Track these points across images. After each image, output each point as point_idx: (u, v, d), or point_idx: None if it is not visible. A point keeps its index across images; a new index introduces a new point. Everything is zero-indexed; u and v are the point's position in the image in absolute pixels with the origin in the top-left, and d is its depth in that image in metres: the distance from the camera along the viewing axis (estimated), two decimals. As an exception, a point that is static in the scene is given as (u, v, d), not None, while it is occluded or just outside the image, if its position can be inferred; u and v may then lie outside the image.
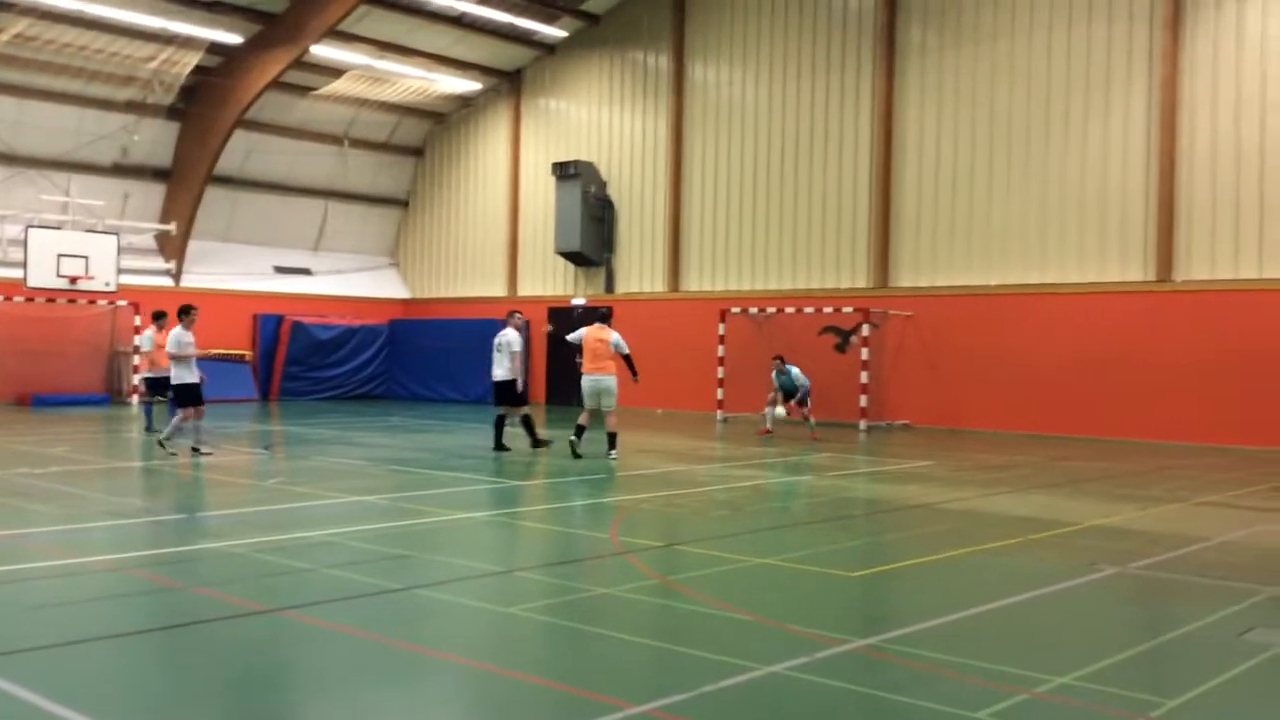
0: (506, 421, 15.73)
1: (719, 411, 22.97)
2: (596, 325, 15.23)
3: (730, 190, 24.77)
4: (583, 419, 15.05)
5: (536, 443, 15.58)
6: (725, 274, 24.81)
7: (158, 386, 17.07)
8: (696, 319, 24.17)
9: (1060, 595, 7.35)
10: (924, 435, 20.05)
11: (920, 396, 21.61)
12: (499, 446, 15.42)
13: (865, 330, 21.32)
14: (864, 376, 21.18)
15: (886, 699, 5.11)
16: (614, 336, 14.97)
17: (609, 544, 9.01)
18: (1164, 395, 18.95)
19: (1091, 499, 11.99)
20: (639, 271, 26.32)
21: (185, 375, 14.54)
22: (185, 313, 15.12)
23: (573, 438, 14.81)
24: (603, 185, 26.64)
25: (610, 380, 14.88)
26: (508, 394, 15.79)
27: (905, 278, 22.22)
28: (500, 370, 15.81)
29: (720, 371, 23.20)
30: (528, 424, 15.75)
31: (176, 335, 14.64)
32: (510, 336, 15.79)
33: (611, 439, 14.92)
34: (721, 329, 23.22)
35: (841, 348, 22.17)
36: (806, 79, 23.61)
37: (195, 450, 14.33)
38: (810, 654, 5.69)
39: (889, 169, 22.36)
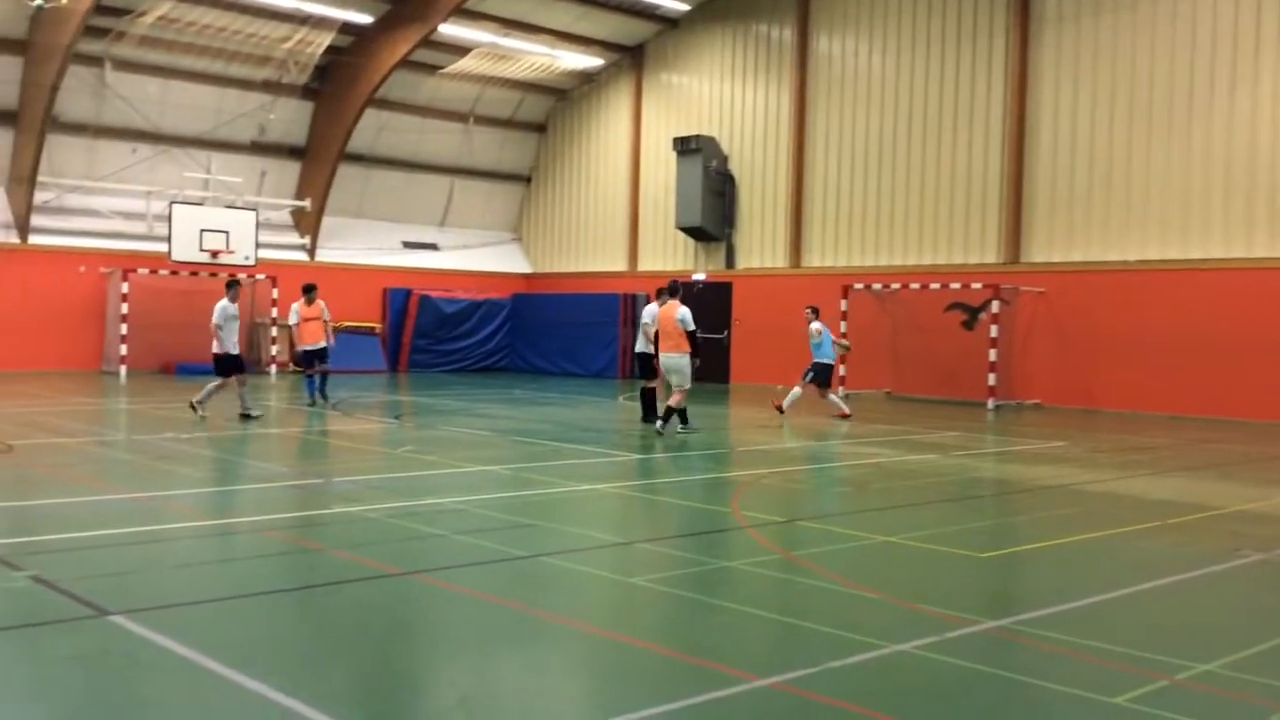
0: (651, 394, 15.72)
1: (840, 389, 22.69)
2: (669, 303, 14.77)
3: (854, 163, 24.35)
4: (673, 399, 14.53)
5: (648, 418, 15.44)
6: (848, 249, 24.44)
7: (307, 359, 17.62)
8: (818, 294, 23.78)
9: (1201, 581, 7.06)
10: (1056, 415, 19.46)
11: (1052, 375, 20.96)
12: (648, 419, 15.30)
13: (995, 307, 20.76)
14: (992, 354, 20.65)
15: (1020, 681, 4.99)
16: (681, 312, 14.50)
17: (731, 518, 9.00)
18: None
19: (1235, 482, 11.48)
20: (760, 247, 26.12)
21: (227, 346, 14.94)
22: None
23: (665, 421, 14.33)
24: (724, 160, 26.48)
25: (685, 359, 14.46)
26: (645, 367, 15.96)
27: (1038, 253, 21.53)
28: (639, 344, 16.00)
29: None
30: (645, 397, 15.68)
31: (222, 307, 15.13)
32: (651, 311, 15.63)
33: (670, 414, 14.36)
34: (844, 305, 22.89)
35: (969, 324, 21.64)
36: (936, 48, 23.01)
37: (245, 416, 14.84)
38: (939, 633, 5.59)
39: (1022, 140, 21.66)
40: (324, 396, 17.39)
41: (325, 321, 17.54)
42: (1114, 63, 20.52)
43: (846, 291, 22.93)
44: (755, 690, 4.75)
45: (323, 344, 17.43)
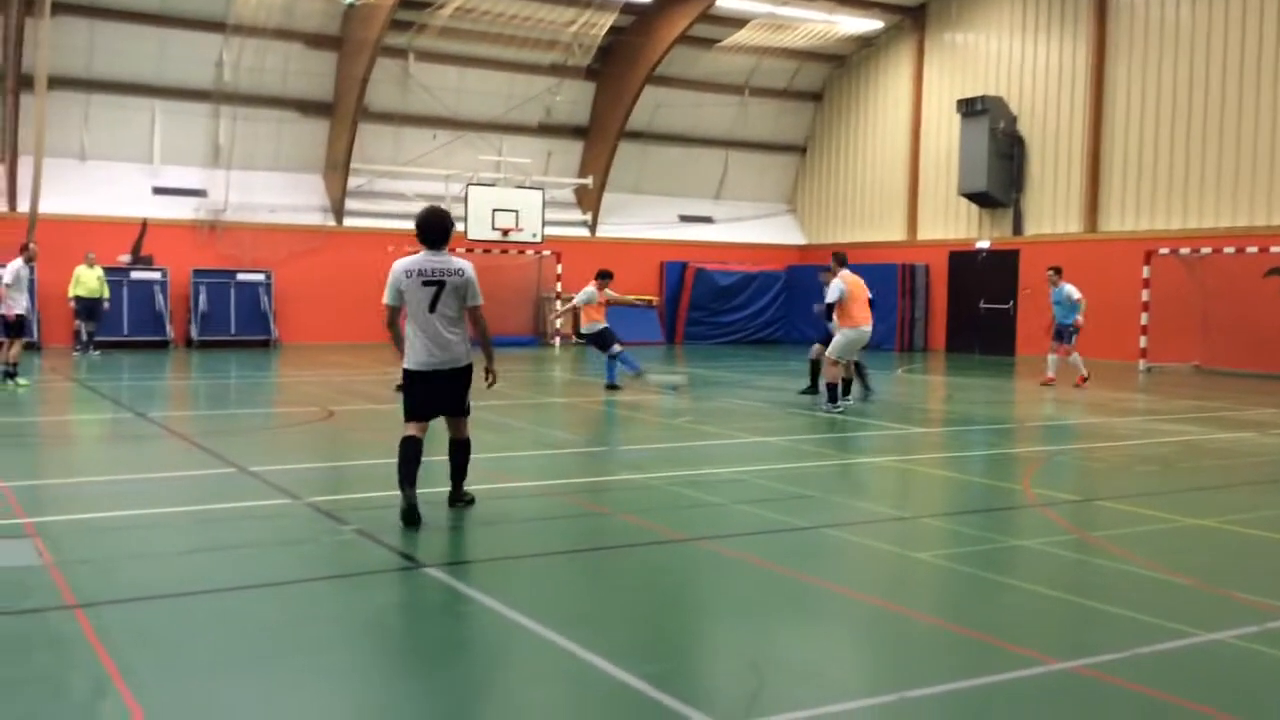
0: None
1: (1142, 361, 21.22)
2: (853, 274, 13.84)
3: (1159, 119, 22.56)
4: (842, 372, 13.78)
5: (813, 390, 14.99)
6: (1151, 212, 22.73)
7: (591, 339, 16.10)
8: (1117, 261, 22.37)
9: None
10: (1396, 392, 17.39)
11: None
12: (815, 389, 14.90)
13: (1322, 272, 18.77)
14: (1319, 324, 18.70)
15: (1357, 681, 4.53)
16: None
17: (1021, 495, 8.64)
18: None
19: None
20: (1051, 211, 24.74)
21: (16, 307, 14.65)
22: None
23: (847, 399, 13.82)
24: (1012, 120, 25.22)
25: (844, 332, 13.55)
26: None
27: (1376, 211, 19.26)
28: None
29: (1144, 318, 21.38)
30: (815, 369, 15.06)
31: (15, 268, 14.76)
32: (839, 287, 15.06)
33: (848, 387, 14.02)
34: (1146, 272, 21.34)
35: (1291, 292, 19.66)
36: (1254, -11, 20.93)
37: (7, 375, 14.59)
38: (1260, 624, 5.16)
39: (1358, 86, 19.39)
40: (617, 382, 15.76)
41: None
42: None
43: (1149, 257, 21.38)
44: (1053, 673, 4.56)
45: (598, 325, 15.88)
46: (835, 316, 13.54)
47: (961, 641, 5.06)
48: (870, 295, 13.82)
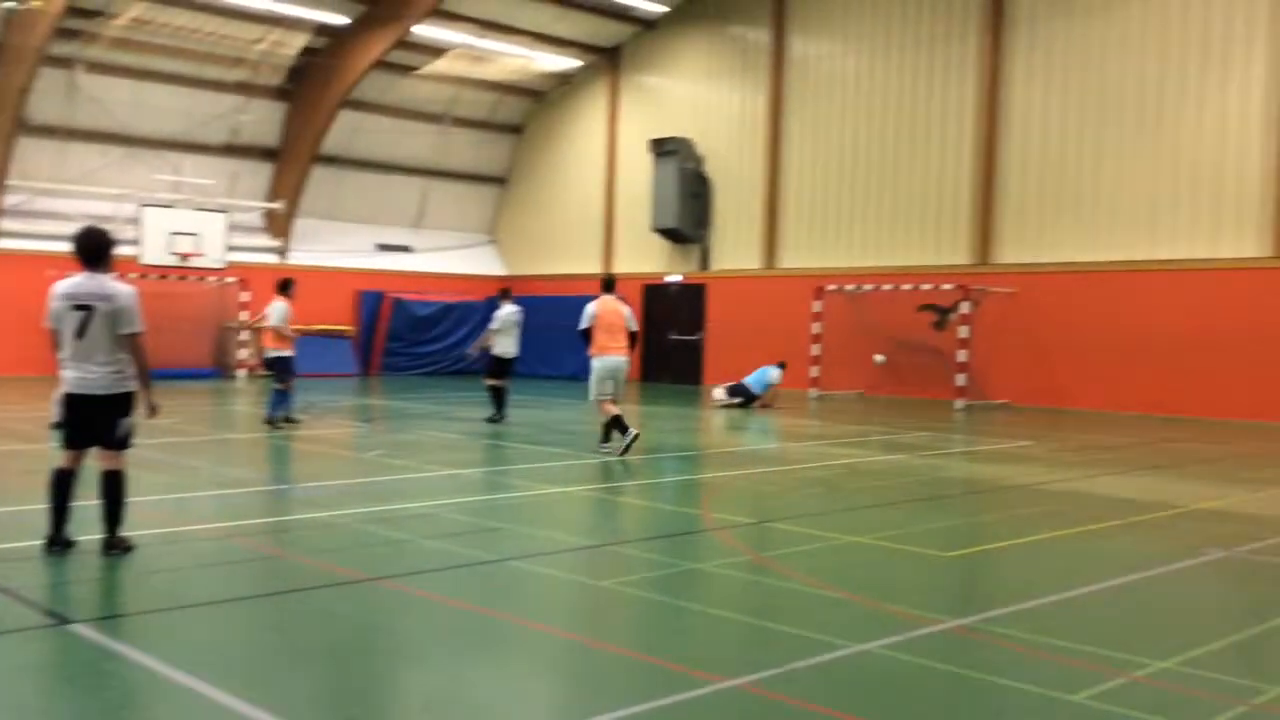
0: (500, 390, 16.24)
1: (814, 389, 22.79)
2: (611, 297, 12.94)
3: (828, 165, 24.45)
4: (612, 409, 12.61)
5: (497, 418, 15.99)
6: (822, 250, 24.53)
7: (274, 366, 14.89)
8: (792, 296, 23.97)
9: (1163, 579, 7.15)
10: (1024, 415, 19.61)
11: (1021, 376, 21.12)
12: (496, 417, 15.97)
13: (965, 307, 20.90)
14: (962, 355, 20.79)
15: (981, 680, 5.04)
16: (628, 310, 13.00)
17: (700, 520, 9.03)
18: (1278, 375, 18.21)
19: (1199, 481, 11.61)
20: (735, 248, 26.19)
21: None
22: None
23: (617, 436, 12.43)
24: (700, 161, 26.54)
25: (626, 361, 12.90)
26: (512, 366, 16.56)
27: (1008, 254, 21.69)
28: (512, 344, 16.51)
29: (815, 349, 23.00)
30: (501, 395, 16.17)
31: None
32: (518, 313, 16.51)
33: (624, 426, 12.49)
34: (817, 306, 23.00)
35: (940, 325, 21.76)
36: (909, 51, 23.14)
37: None
38: (903, 633, 5.64)
39: (993, 142, 21.82)
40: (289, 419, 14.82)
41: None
42: (1084, 65, 20.69)
43: (820, 292, 23.04)
44: (722, 691, 4.78)
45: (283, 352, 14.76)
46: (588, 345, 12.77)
47: (642, 667, 5.21)
48: (628, 324, 12.84)
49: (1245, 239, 18.88)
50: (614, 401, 12.65)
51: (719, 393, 20.70)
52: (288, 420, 14.60)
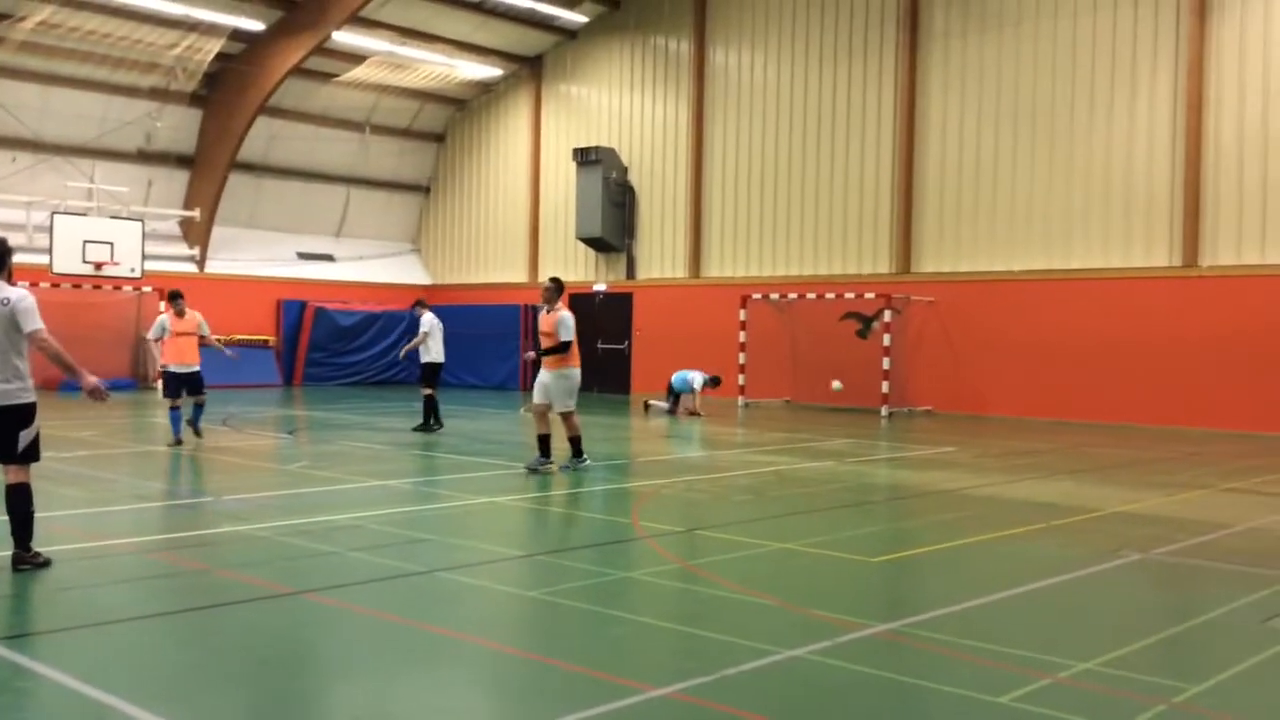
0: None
1: (741, 398, 22.95)
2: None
3: (751, 175, 24.68)
4: (545, 427, 12.01)
5: (428, 427, 16.09)
6: (746, 260, 24.74)
7: (174, 386, 14.08)
8: (717, 305, 24.13)
9: (1084, 581, 7.31)
10: (946, 421, 19.97)
11: (942, 382, 21.51)
12: (433, 425, 16.08)
13: (887, 316, 21.24)
14: (885, 363, 21.11)
15: (908, 683, 5.10)
16: (565, 315, 11.98)
17: (630, 529, 9.02)
18: (1190, 381, 18.79)
19: (1116, 485, 11.92)
20: (660, 257, 26.28)
21: None
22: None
23: (545, 460, 11.91)
24: (624, 171, 26.60)
25: (576, 372, 12.13)
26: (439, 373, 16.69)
27: (928, 263, 22.10)
28: (441, 351, 16.68)
29: (741, 358, 23.17)
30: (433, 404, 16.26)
31: None
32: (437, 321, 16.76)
33: (578, 443, 12.14)
34: (743, 315, 23.17)
35: (863, 333, 22.09)
36: (829, 63, 23.47)
37: None
38: (832, 638, 5.69)
39: (911, 154, 22.23)
40: (197, 432, 13.94)
41: (204, 338, 14.17)
42: (999, 79, 21.19)
43: (745, 301, 23.22)
44: (651, 700, 4.77)
45: (195, 366, 13.98)
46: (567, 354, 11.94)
47: (571, 677, 5.17)
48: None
49: (1155, 249, 19.47)
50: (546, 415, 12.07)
51: (658, 404, 21.24)
52: (174, 439, 13.63)
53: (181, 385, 13.88)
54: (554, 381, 11.95)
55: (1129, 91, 19.72)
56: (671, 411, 20.59)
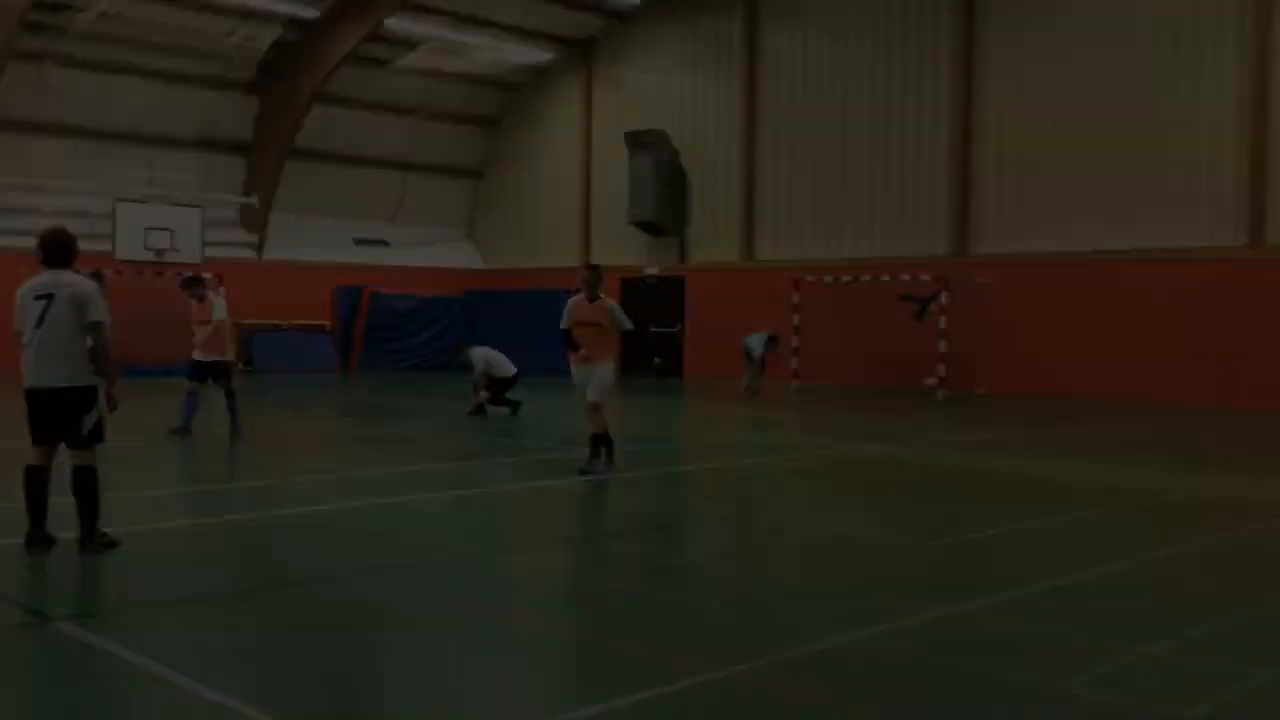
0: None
1: (794, 381, 22.81)
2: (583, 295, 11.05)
3: (804, 156, 24.45)
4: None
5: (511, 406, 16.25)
6: (799, 242, 24.54)
7: (199, 373, 13.44)
8: (770, 287, 23.97)
9: (1152, 564, 7.17)
10: (1004, 403, 19.69)
11: (1000, 364, 21.20)
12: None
13: (943, 298, 20.96)
14: (942, 345, 20.83)
15: (971, 668, 5.03)
16: (614, 304, 11.16)
17: (686, 512, 8.99)
18: (1266, 361, 18.32)
19: (1179, 469, 11.68)
20: (712, 240, 26.17)
21: None
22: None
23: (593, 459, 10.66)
24: (675, 154, 26.48)
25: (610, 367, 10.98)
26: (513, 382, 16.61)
27: (986, 244, 21.78)
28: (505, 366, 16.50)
29: (795, 340, 23.00)
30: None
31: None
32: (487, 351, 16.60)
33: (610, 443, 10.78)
34: (796, 298, 22.99)
35: (920, 315, 21.77)
36: (884, 42, 23.16)
37: None
38: (890, 623, 5.63)
39: (969, 133, 21.89)
40: (235, 430, 13.00)
41: (222, 322, 13.32)
42: (1060, 55, 20.77)
43: (798, 284, 23.04)
44: (707, 682, 4.75)
45: (215, 356, 13.25)
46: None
47: (626, 660, 5.16)
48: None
49: (1220, 227, 19.02)
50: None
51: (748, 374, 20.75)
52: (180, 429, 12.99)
53: (205, 373, 13.24)
54: (605, 374, 10.74)
55: (1191, 66, 19.23)
56: (762, 371, 20.59)
